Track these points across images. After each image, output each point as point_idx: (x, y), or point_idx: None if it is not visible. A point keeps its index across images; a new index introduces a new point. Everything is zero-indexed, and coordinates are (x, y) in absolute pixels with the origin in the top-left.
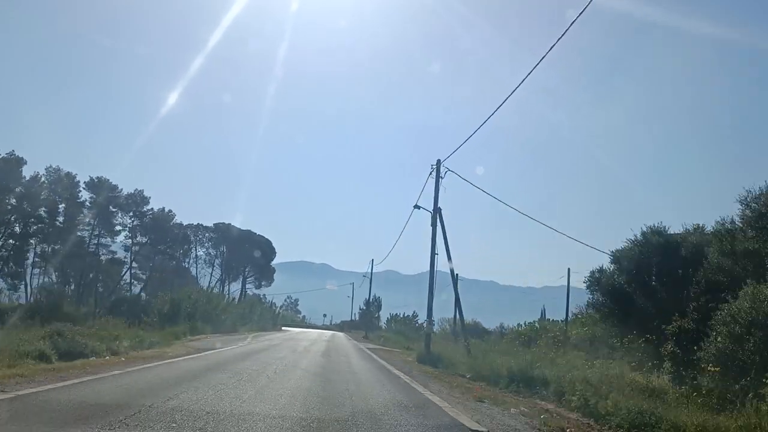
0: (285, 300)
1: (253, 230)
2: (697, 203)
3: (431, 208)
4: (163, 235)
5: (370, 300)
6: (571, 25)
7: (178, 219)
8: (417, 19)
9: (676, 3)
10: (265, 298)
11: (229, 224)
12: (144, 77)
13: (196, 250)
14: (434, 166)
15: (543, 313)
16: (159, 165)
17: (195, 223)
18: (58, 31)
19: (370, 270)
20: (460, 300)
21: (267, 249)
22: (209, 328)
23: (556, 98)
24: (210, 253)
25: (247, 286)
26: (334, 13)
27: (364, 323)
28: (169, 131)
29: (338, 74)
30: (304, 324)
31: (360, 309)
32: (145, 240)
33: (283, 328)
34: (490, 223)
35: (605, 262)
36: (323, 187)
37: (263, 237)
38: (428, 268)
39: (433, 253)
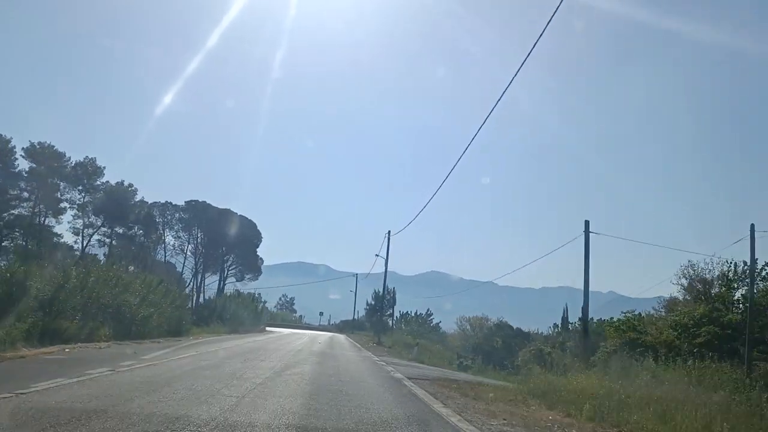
0: (280, 298)
1: (233, 209)
2: (698, 208)
3: None
4: (120, 215)
5: (384, 292)
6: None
7: (140, 196)
8: (417, 19)
9: (679, 8)
10: (260, 297)
11: (205, 202)
12: (144, 76)
13: (164, 234)
14: None
15: (565, 312)
16: (158, 165)
17: (162, 201)
18: (58, 30)
19: (385, 241)
20: None
21: (251, 233)
22: (107, 330)
23: (555, 103)
24: (180, 237)
25: (229, 279)
26: (333, 14)
27: (373, 323)
28: (167, 131)
29: (338, 75)
30: (299, 324)
31: (367, 305)
32: (98, 221)
33: (268, 329)
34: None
35: None
36: (322, 188)
37: (246, 218)
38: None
39: None
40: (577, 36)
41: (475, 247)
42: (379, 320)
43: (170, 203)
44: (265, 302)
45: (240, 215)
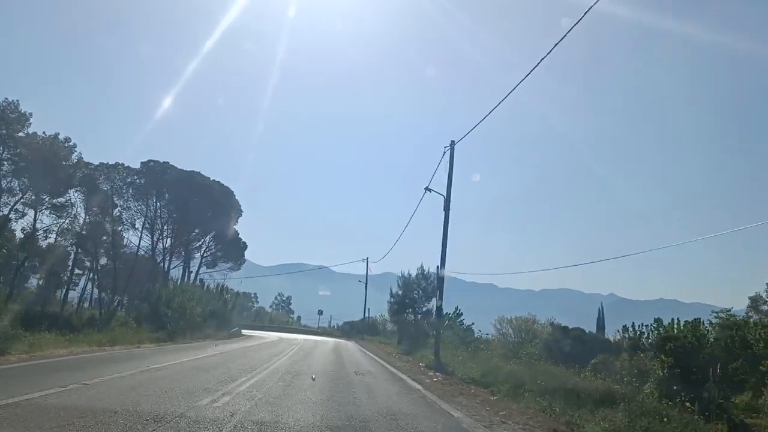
0: (275, 298)
1: (203, 172)
2: (697, 210)
3: None
4: (51, 177)
5: (444, 259)
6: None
7: (79, 153)
8: (415, 23)
9: (680, 10)
10: (256, 297)
11: (167, 163)
12: (144, 78)
13: (113, 205)
14: None
15: (601, 312)
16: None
17: (111, 162)
18: (58, 30)
19: (446, 156)
20: None
21: (226, 203)
22: None
23: (553, 104)
24: (130, 209)
25: (202, 269)
26: (331, 17)
27: (403, 327)
28: (164, 133)
29: (337, 77)
30: (294, 327)
31: (391, 296)
32: (19, 185)
33: (249, 333)
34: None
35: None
36: (320, 190)
37: (219, 183)
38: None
39: None
40: (578, 38)
41: (475, 249)
42: (436, 324)
43: (121, 164)
44: (238, 296)
45: (213, 180)
